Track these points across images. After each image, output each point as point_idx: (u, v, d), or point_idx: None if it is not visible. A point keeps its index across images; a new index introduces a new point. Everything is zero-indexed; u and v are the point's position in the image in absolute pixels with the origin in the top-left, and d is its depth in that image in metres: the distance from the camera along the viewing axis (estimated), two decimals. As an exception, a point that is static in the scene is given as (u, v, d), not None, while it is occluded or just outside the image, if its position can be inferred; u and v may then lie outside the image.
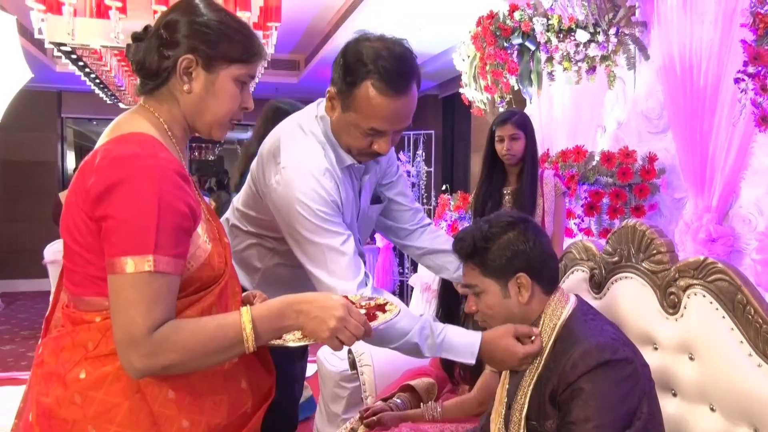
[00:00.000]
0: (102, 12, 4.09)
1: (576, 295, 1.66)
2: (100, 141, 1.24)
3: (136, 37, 1.29)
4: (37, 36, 3.75)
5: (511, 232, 1.56)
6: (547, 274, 1.61)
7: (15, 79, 3.65)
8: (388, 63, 1.52)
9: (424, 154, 7.34)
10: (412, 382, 2.29)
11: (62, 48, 4.02)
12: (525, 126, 2.94)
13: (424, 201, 7.36)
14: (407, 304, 6.18)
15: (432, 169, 7.44)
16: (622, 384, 1.43)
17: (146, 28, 1.29)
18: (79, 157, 10.87)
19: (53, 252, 6.49)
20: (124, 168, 1.12)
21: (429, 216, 7.09)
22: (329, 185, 1.60)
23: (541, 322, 1.57)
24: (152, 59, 1.24)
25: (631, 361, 1.47)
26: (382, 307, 1.36)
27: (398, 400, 2.23)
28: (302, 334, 1.23)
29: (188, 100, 1.26)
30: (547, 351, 1.54)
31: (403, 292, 7.47)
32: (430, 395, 2.26)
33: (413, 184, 7.36)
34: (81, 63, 4.59)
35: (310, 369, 4.61)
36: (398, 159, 7.26)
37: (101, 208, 1.12)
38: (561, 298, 1.61)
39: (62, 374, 1.17)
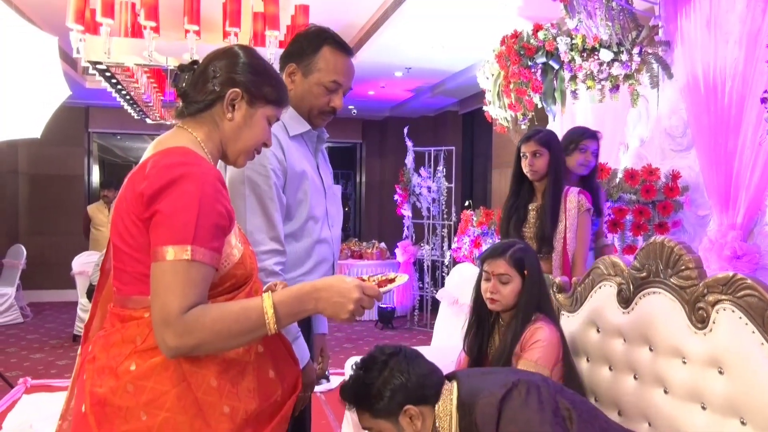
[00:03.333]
0: (136, 31, 4.21)
1: (453, 373, 1.75)
2: (146, 155, 1.38)
3: (183, 68, 1.46)
4: (75, 55, 3.88)
5: (385, 371, 1.64)
6: (430, 392, 1.67)
7: (55, 96, 3.77)
8: (335, 34, 1.90)
9: (444, 170, 7.38)
10: None
11: (98, 66, 4.14)
12: (548, 144, 2.96)
13: (445, 217, 7.40)
14: (433, 318, 6.20)
15: (452, 185, 7.48)
16: (529, 401, 1.56)
17: (194, 62, 1.46)
18: (102, 171, 11.04)
19: (81, 264, 6.62)
20: (172, 173, 1.25)
21: (451, 231, 7.15)
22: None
23: (438, 424, 1.64)
24: (199, 89, 1.41)
25: (516, 382, 1.60)
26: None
27: None
28: None
29: (228, 127, 1.42)
30: None
31: (424, 307, 7.50)
32: None
33: (434, 200, 7.41)
34: (114, 80, 4.72)
35: (336, 380, 4.66)
36: (419, 175, 7.34)
37: (152, 208, 1.24)
38: (445, 390, 1.67)
39: (114, 367, 1.27)
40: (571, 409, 1.58)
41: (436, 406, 1.65)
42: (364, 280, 1.40)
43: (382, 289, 1.38)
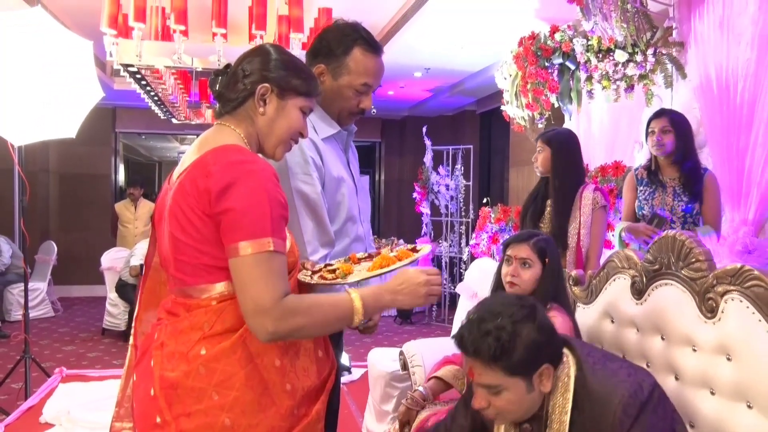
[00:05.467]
0: (166, 35, 4.33)
1: (567, 344, 1.62)
2: (192, 155, 1.43)
3: (218, 73, 1.54)
4: (108, 58, 4.00)
5: (529, 323, 1.48)
6: (559, 353, 1.57)
7: (89, 97, 3.89)
8: (365, 32, 1.83)
9: (462, 168, 7.45)
10: (438, 373, 2.40)
11: (129, 68, 4.26)
12: (549, 140, 3.01)
13: (463, 214, 7.47)
14: (451, 313, 6.26)
15: (470, 183, 7.54)
16: (658, 408, 1.53)
17: (227, 66, 1.53)
18: (128, 170, 11.21)
19: (109, 259, 6.77)
20: (236, 170, 1.32)
21: (469, 228, 7.20)
22: (305, 143, 1.73)
23: (555, 390, 1.55)
24: (233, 87, 1.48)
25: (652, 385, 1.54)
26: (417, 251, 1.58)
27: (420, 390, 2.36)
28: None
29: (262, 121, 1.47)
30: (568, 413, 1.53)
31: (442, 303, 7.56)
32: (458, 381, 2.35)
33: (452, 198, 7.48)
34: (143, 82, 4.84)
35: (358, 372, 4.76)
36: (437, 173, 7.40)
37: (221, 204, 1.30)
38: (564, 353, 1.60)
39: (185, 352, 1.35)
40: (683, 424, 1.57)
41: (557, 371, 1.54)
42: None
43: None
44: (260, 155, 1.50)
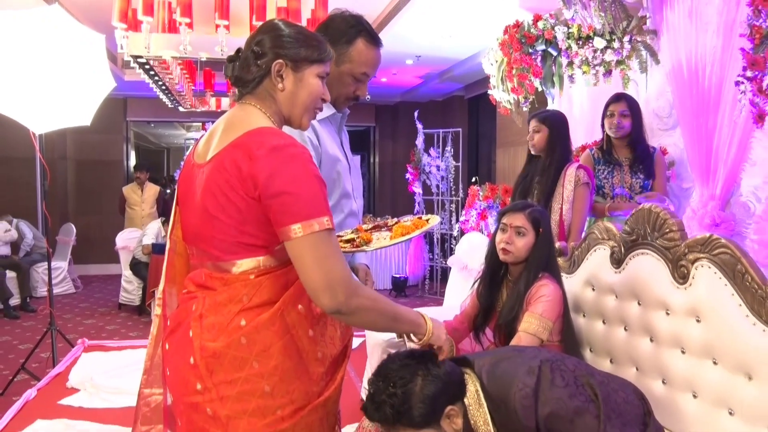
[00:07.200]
0: (172, 27, 4.31)
1: (464, 363, 1.61)
2: (224, 135, 1.37)
3: (231, 59, 1.47)
4: (119, 51, 4.00)
5: (418, 377, 1.47)
6: (461, 387, 1.54)
7: (102, 87, 3.88)
8: (368, 25, 1.84)
9: (452, 150, 7.46)
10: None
11: (139, 60, 4.26)
12: (546, 120, 3.01)
13: (453, 193, 7.50)
14: (442, 286, 6.33)
15: (459, 164, 7.56)
16: (555, 379, 1.50)
17: (238, 50, 1.47)
18: (138, 157, 11.17)
19: (123, 240, 6.79)
20: (281, 154, 1.28)
21: (459, 206, 7.23)
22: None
23: (471, 415, 1.52)
24: (248, 70, 1.42)
25: (538, 365, 1.51)
26: (427, 221, 1.62)
27: None
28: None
29: (282, 97, 1.42)
30: (490, 422, 1.51)
31: (434, 277, 7.62)
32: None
33: (442, 178, 7.50)
34: (152, 72, 4.83)
35: (357, 341, 4.82)
36: (428, 155, 7.40)
37: (271, 189, 1.26)
38: (466, 379, 1.56)
39: (224, 324, 1.33)
40: (589, 375, 1.54)
41: (465, 398, 1.53)
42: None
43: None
44: (286, 127, 1.47)
